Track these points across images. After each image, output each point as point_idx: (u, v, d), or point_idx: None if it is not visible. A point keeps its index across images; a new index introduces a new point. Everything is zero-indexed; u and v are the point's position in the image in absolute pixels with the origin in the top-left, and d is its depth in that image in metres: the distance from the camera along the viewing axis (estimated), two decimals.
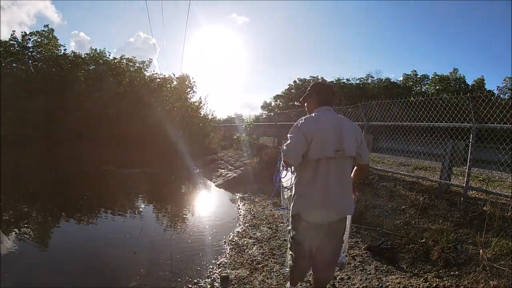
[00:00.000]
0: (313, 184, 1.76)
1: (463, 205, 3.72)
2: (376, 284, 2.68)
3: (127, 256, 3.34)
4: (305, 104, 2.03)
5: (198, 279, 2.84)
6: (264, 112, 44.09)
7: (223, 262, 3.18)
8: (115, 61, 18.04)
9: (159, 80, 17.77)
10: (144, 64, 18.55)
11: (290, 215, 1.91)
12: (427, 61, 66.16)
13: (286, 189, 2.11)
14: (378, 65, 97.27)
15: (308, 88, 2.00)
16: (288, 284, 2.33)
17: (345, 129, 1.80)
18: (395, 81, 44.96)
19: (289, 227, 1.95)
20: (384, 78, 44.90)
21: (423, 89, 42.29)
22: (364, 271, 2.93)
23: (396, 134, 5.29)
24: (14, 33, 16.35)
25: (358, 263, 3.09)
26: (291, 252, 1.99)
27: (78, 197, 6.22)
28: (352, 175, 1.94)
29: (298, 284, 2.66)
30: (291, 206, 1.87)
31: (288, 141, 1.77)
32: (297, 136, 1.74)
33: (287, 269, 2.34)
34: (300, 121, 1.79)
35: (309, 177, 1.77)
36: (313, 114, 1.86)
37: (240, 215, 4.98)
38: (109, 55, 18.21)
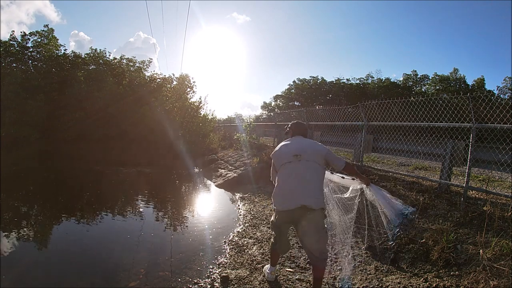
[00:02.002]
0: (278, 183, 2.41)
1: (463, 205, 3.72)
2: (376, 284, 2.68)
3: (127, 256, 3.34)
4: (288, 129, 2.80)
5: (198, 279, 2.84)
6: (264, 112, 44.05)
7: (223, 262, 3.17)
8: (115, 61, 18.02)
9: (159, 80, 17.76)
10: (144, 64, 18.53)
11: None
12: (427, 61, 66.33)
13: None
14: (378, 65, 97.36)
15: (289, 125, 2.80)
16: (268, 266, 2.82)
17: (306, 144, 2.51)
18: (395, 81, 44.97)
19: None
20: (384, 78, 44.92)
21: (423, 89, 42.28)
22: (364, 271, 2.93)
23: (396, 134, 5.29)
24: (13, 33, 16.36)
25: (358, 263, 3.09)
26: (273, 233, 2.61)
27: (78, 196, 6.23)
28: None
29: (299, 284, 2.66)
30: None
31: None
32: (272, 161, 2.62)
33: (273, 243, 2.67)
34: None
35: (277, 180, 2.43)
36: (284, 141, 2.64)
37: (240, 215, 4.98)
38: (109, 55, 18.20)
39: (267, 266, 2.86)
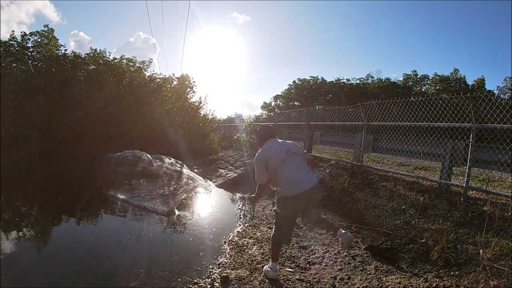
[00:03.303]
0: (286, 176, 2.68)
1: (463, 205, 3.72)
2: (376, 284, 2.68)
3: (127, 256, 3.34)
4: (256, 139, 3.12)
5: (198, 279, 2.84)
6: (264, 112, 44.02)
7: (223, 262, 3.17)
8: (115, 61, 18.02)
9: (159, 80, 17.76)
10: (144, 64, 18.53)
11: (276, 199, 2.78)
12: (427, 61, 66.24)
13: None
14: (378, 65, 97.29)
15: (257, 129, 3.10)
16: (269, 265, 2.86)
17: (287, 143, 2.92)
18: (395, 81, 44.95)
19: (275, 209, 2.78)
20: (384, 78, 44.91)
21: (423, 89, 42.27)
22: (364, 271, 2.93)
23: (396, 134, 5.29)
24: (13, 33, 16.36)
25: (358, 263, 3.09)
26: (279, 225, 2.78)
27: (77, 196, 6.23)
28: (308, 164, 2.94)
29: (299, 284, 2.65)
30: (276, 194, 2.79)
31: (256, 170, 2.79)
32: (259, 164, 2.76)
33: (275, 234, 2.83)
34: (257, 155, 2.83)
35: (281, 175, 2.68)
36: (264, 145, 2.89)
37: (240, 215, 4.99)
38: (109, 55, 18.20)
39: (268, 265, 2.87)
